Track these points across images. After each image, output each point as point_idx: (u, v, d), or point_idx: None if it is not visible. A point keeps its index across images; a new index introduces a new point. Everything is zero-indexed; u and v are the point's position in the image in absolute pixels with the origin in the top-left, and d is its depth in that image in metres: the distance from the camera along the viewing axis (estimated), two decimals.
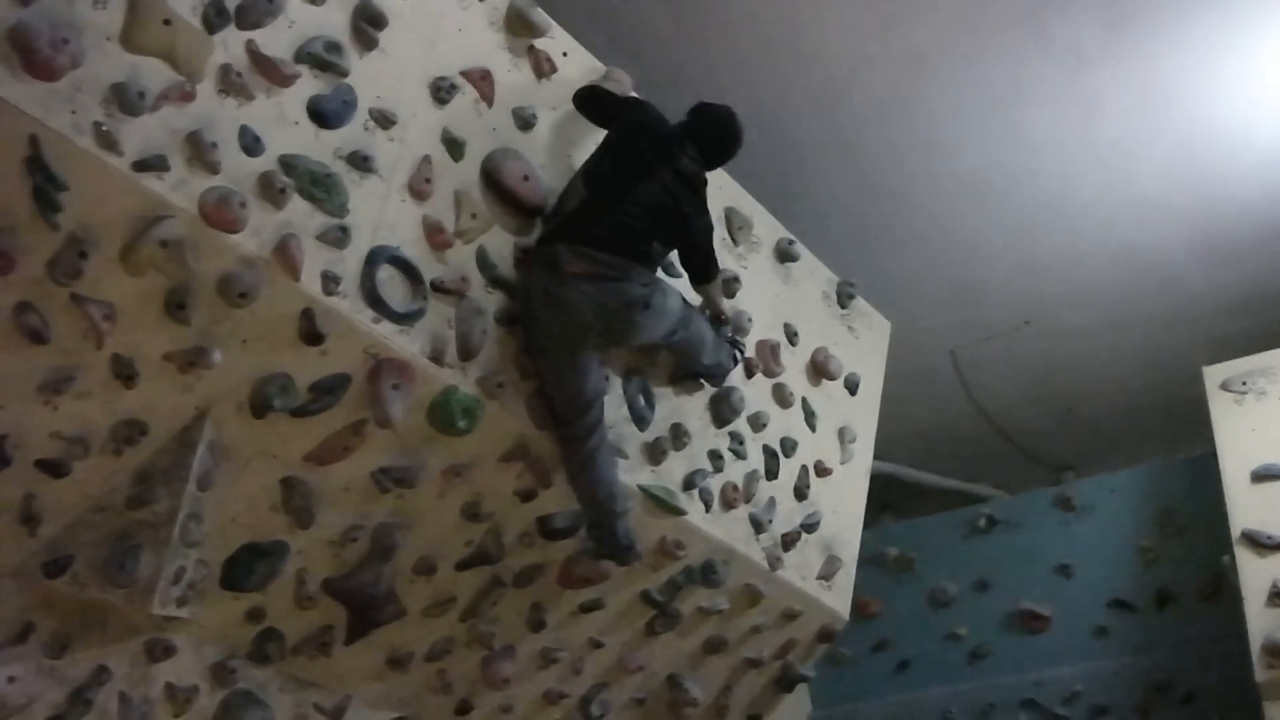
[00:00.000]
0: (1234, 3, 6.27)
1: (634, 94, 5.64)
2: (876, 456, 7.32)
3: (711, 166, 5.50)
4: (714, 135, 5.46)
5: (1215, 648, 7.97)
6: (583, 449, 5.19)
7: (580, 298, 4.97)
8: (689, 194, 5.30)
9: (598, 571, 5.67)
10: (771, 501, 6.31)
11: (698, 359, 5.71)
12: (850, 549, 6.93)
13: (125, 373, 4.14)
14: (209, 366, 4.23)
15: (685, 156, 5.30)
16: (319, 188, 4.37)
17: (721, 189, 6.16)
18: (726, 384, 6.00)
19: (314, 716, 5.28)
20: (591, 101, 5.43)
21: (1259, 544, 7.21)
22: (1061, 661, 8.70)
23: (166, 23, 3.97)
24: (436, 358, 4.72)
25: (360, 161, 4.52)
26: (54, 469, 4.21)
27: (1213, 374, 7.88)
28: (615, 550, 5.41)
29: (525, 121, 5.24)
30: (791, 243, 6.59)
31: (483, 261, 4.97)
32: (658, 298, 5.19)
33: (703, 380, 5.91)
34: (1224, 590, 7.84)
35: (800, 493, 6.51)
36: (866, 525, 7.19)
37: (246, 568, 4.74)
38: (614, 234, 5.06)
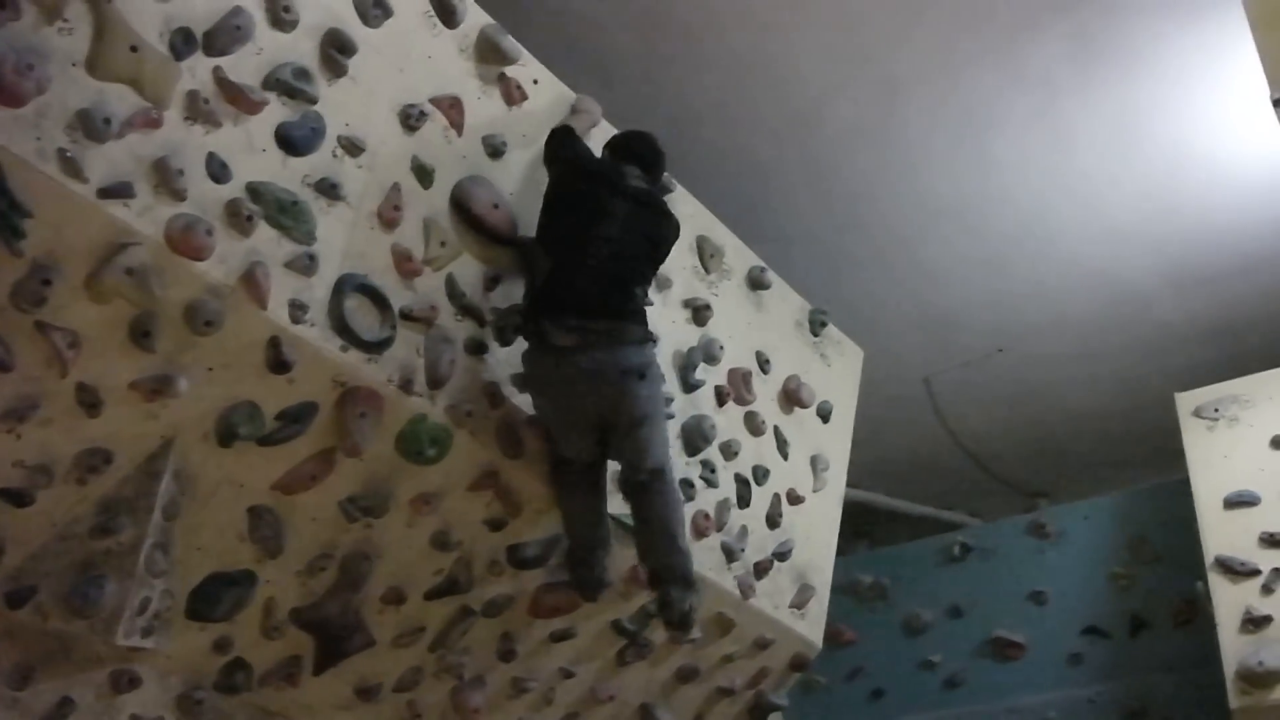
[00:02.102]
0: (1205, 33, 6.31)
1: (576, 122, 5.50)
2: (850, 484, 7.32)
3: (656, 181, 5.46)
4: (646, 152, 5.38)
5: (1189, 674, 7.98)
6: (582, 480, 5.22)
7: (574, 372, 4.95)
8: (652, 216, 5.25)
9: (568, 601, 5.63)
10: (744, 530, 6.29)
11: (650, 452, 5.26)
12: (823, 577, 6.91)
13: (89, 401, 4.10)
14: (174, 395, 4.20)
15: (631, 178, 5.22)
16: (286, 215, 4.35)
17: (693, 217, 6.17)
18: (698, 412, 5.98)
19: None
20: (558, 139, 5.32)
21: (1232, 570, 7.24)
22: (1036, 689, 8.69)
23: (133, 49, 3.94)
24: (405, 386, 4.69)
25: (328, 189, 4.50)
26: (17, 498, 4.16)
27: (1185, 401, 7.92)
28: (589, 584, 5.40)
29: (495, 149, 5.22)
30: (763, 270, 6.58)
31: (452, 290, 4.95)
32: (653, 368, 5.15)
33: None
34: (1198, 616, 7.88)
35: (773, 521, 6.50)
36: (840, 553, 7.19)
37: (213, 597, 4.69)
38: (595, 293, 4.99)
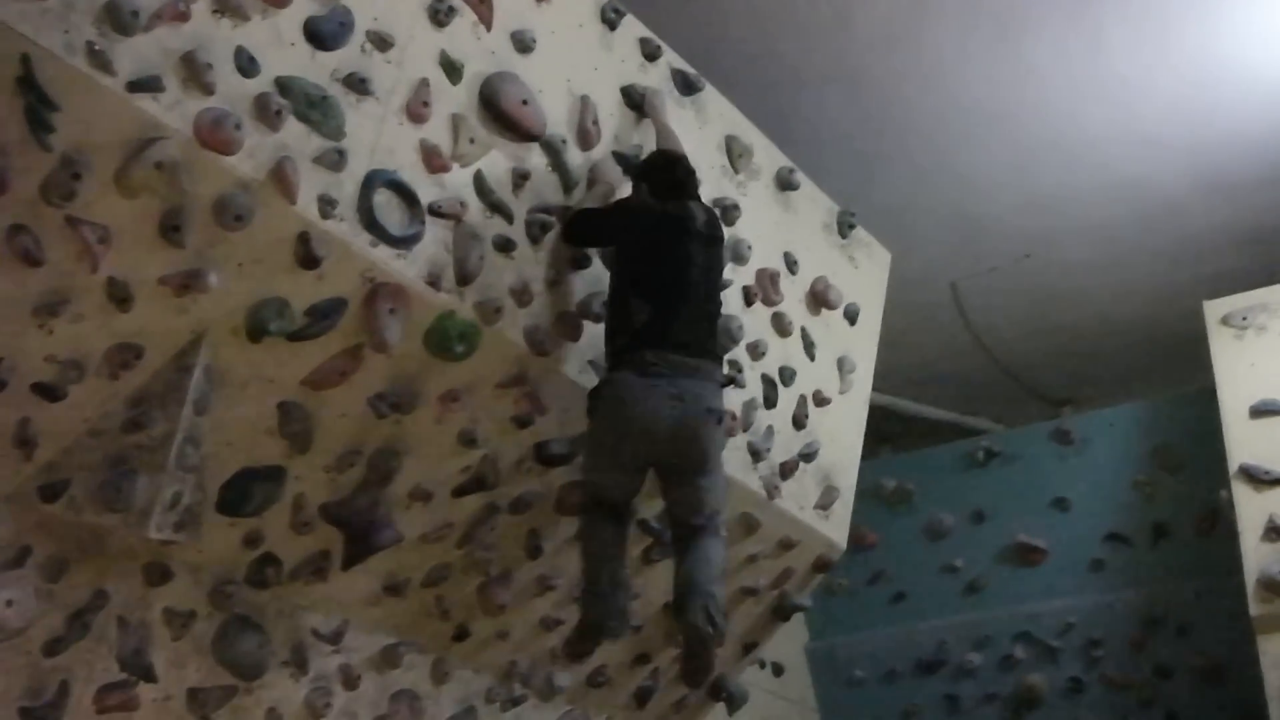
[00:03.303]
0: None
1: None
2: (875, 389, 7.30)
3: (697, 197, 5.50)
4: (688, 180, 5.40)
5: (1210, 582, 8.03)
6: (610, 519, 5.23)
7: (660, 394, 4.96)
8: (718, 248, 5.41)
9: None
10: (770, 430, 6.29)
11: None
12: (848, 479, 6.93)
13: (120, 296, 4.13)
14: (204, 290, 4.22)
15: (697, 218, 5.29)
16: (315, 110, 4.33)
17: (722, 116, 6.15)
18: (726, 312, 5.95)
19: (311, 641, 5.30)
20: (581, 228, 5.34)
21: (1256, 479, 7.26)
22: (1057, 594, 8.78)
23: None
24: (434, 282, 4.70)
25: (357, 84, 4.48)
26: (49, 393, 4.19)
27: (1213, 309, 7.89)
28: (604, 621, 5.24)
29: (524, 45, 5.16)
30: (792, 171, 6.54)
31: (480, 186, 4.93)
32: (725, 417, 5.24)
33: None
34: (1220, 525, 7.89)
35: (799, 422, 6.50)
36: (864, 458, 7.19)
37: (243, 492, 4.74)
38: (692, 334, 5.13)
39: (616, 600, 5.23)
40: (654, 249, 5.20)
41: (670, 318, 5.08)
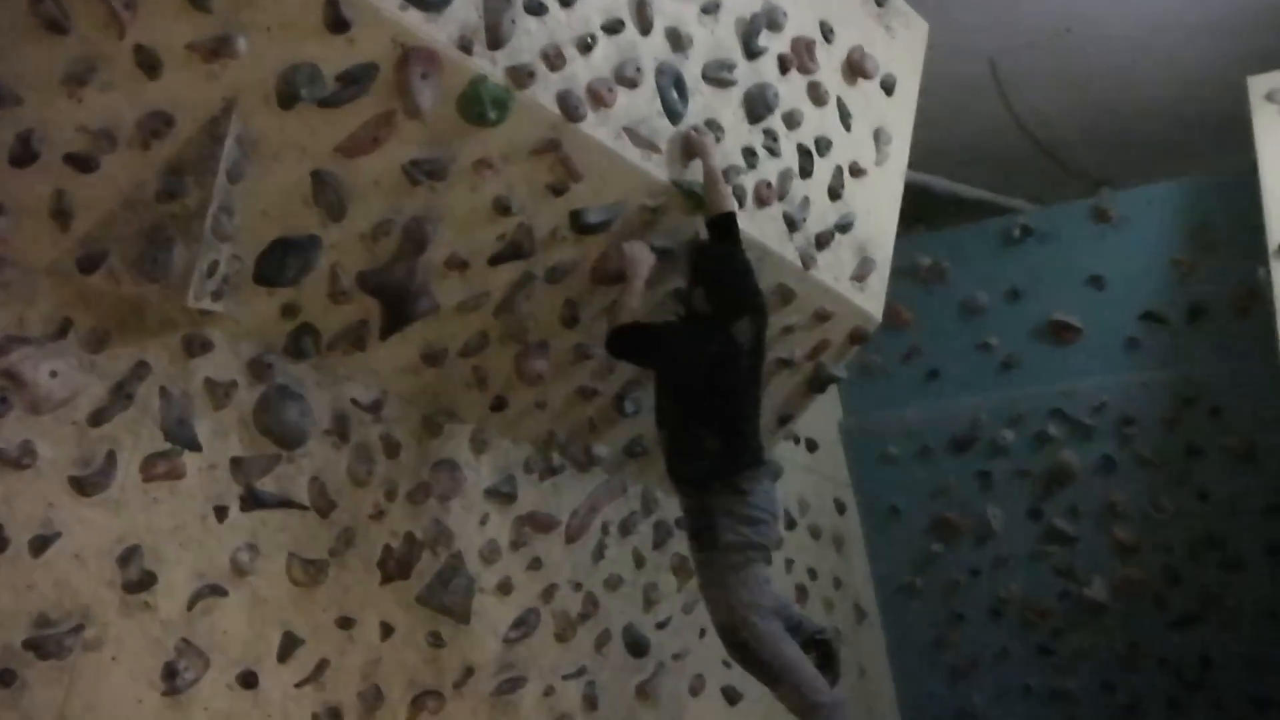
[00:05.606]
0: None
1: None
2: (910, 167, 7.23)
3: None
4: (745, 296, 5.62)
5: (1245, 362, 8.04)
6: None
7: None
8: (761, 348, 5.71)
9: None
10: (805, 200, 6.25)
11: None
12: (884, 251, 6.91)
13: (149, 63, 4.08)
14: (234, 56, 4.16)
15: (741, 340, 5.50)
16: None
17: None
18: (760, 80, 5.88)
19: (351, 411, 5.36)
20: (632, 345, 5.54)
21: None
22: (1091, 373, 8.81)
23: None
24: (465, 47, 4.61)
25: None
26: (82, 164, 4.19)
27: (1257, 85, 7.70)
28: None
29: None
30: None
31: None
32: None
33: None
34: (1257, 305, 7.83)
35: (834, 193, 6.46)
36: (899, 236, 7.15)
37: (279, 261, 4.74)
38: (755, 443, 5.63)
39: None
40: (708, 382, 5.47)
41: (740, 444, 5.49)
